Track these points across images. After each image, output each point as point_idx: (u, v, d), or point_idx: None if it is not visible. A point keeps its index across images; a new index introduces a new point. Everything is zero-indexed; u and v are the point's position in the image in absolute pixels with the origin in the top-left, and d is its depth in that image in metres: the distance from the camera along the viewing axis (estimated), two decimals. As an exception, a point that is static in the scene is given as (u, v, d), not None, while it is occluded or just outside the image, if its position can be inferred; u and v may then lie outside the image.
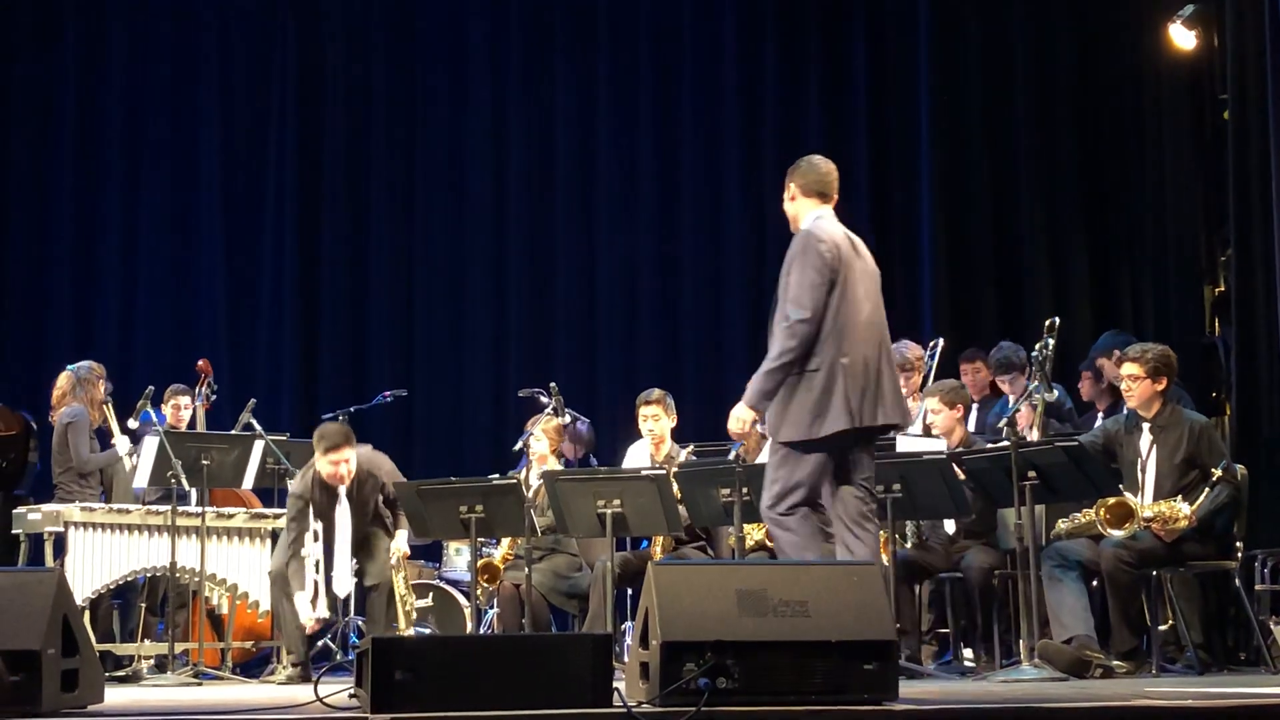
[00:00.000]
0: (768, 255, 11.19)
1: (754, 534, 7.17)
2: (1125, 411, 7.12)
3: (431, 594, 8.61)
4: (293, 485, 7.58)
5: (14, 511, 7.97)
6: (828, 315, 5.68)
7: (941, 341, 8.63)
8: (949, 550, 7.34)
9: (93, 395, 8.41)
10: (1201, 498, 6.73)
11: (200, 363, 8.89)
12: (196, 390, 8.83)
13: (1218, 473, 6.78)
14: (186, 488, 7.57)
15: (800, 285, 5.68)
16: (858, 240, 5.96)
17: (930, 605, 7.92)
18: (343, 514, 7.49)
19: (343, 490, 7.48)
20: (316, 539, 7.41)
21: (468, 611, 7.82)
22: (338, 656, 8.31)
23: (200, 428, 8.64)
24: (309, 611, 7.35)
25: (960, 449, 7.18)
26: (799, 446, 5.68)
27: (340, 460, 7.42)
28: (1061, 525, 6.92)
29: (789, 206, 5.99)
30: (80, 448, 8.22)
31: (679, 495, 7.08)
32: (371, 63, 11.75)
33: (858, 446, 5.76)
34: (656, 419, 7.86)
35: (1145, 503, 6.78)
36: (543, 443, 8.00)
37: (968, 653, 7.63)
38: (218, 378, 9.07)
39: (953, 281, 10.82)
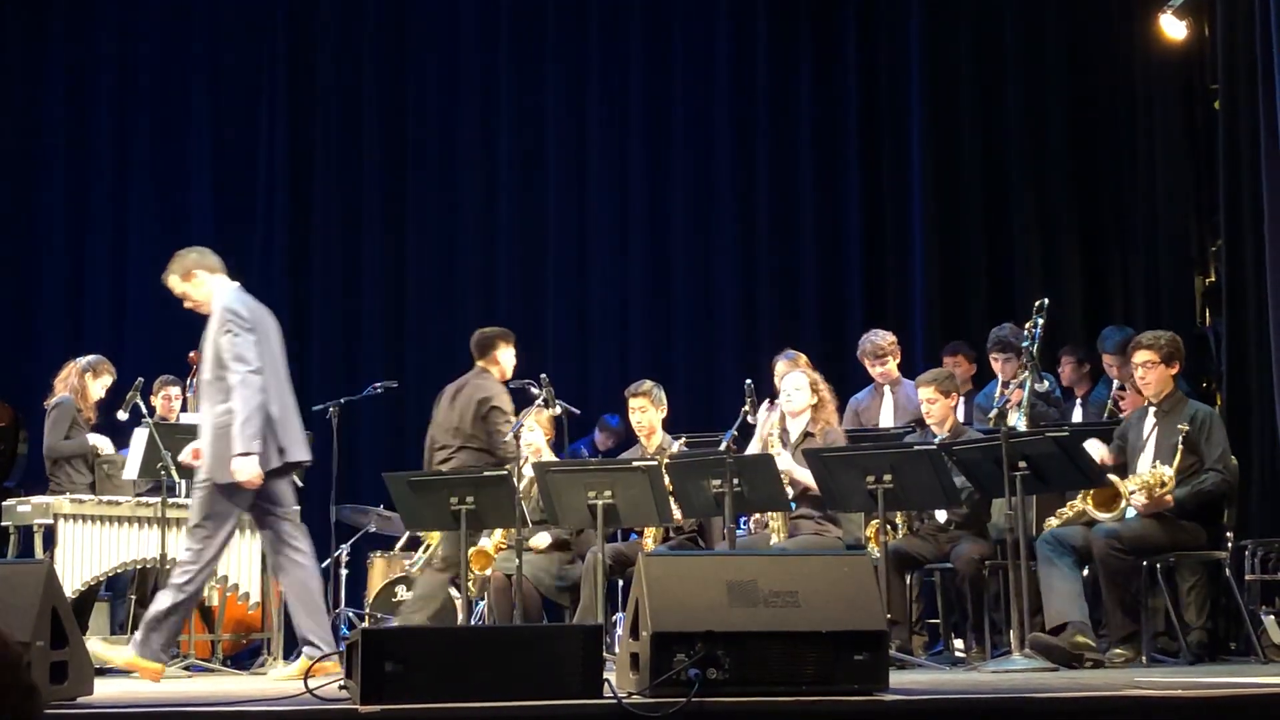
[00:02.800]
0: (759, 243, 11.23)
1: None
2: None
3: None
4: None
5: (3, 504, 7.96)
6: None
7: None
8: (939, 540, 7.34)
9: (82, 386, 8.41)
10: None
11: (192, 354, 8.85)
12: (187, 381, 8.82)
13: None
14: (176, 479, 7.56)
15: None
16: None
17: (920, 595, 7.92)
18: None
19: None
20: None
21: (459, 603, 7.82)
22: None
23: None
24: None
25: (950, 438, 7.18)
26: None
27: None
28: (1051, 522, 6.93)
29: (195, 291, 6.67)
30: (52, 433, 8.24)
31: (670, 486, 7.08)
32: (362, 53, 11.71)
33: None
34: (644, 410, 7.87)
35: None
36: (536, 434, 8.00)
37: (959, 643, 7.64)
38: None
39: (944, 270, 10.83)
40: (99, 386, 8.50)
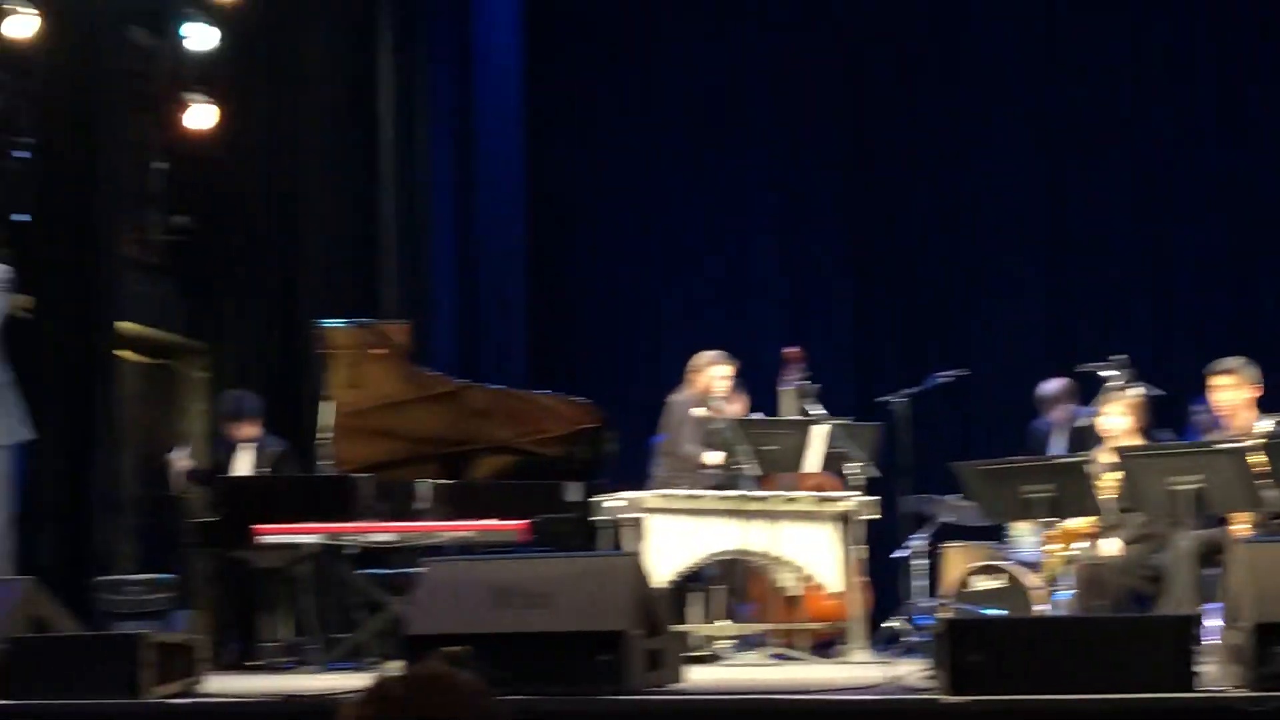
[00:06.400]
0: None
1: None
2: None
3: (1001, 575, 8.44)
4: None
5: (593, 499, 8.38)
6: None
7: None
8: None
9: (704, 384, 8.70)
10: None
11: (791, 350, 8.95)
12: (787, 377, 8.93)
13: None
14: (753, 472, 7.72)
15: None
16: None
17: None
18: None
19: None
20: None
21: (1038, 593, 7.61)
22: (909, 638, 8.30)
23: (789, 413, 8.71)
24: None
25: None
26: None
27: None
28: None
29: None
30: (681, 436, 8.53)
31: (1269, 469, 6.60)
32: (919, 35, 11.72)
33: None
34: (1224, 389, 7.37)
35: None
36: (1117, 418, 7.66)
37: None
38: (777, 365, 9.22)
39: None
40: (721, 385, 8.73)
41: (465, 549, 7.67)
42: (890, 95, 11.82)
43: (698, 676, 5.70)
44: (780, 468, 8.12)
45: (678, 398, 8.77)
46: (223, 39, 10.86)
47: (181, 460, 9.13)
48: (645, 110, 12.38)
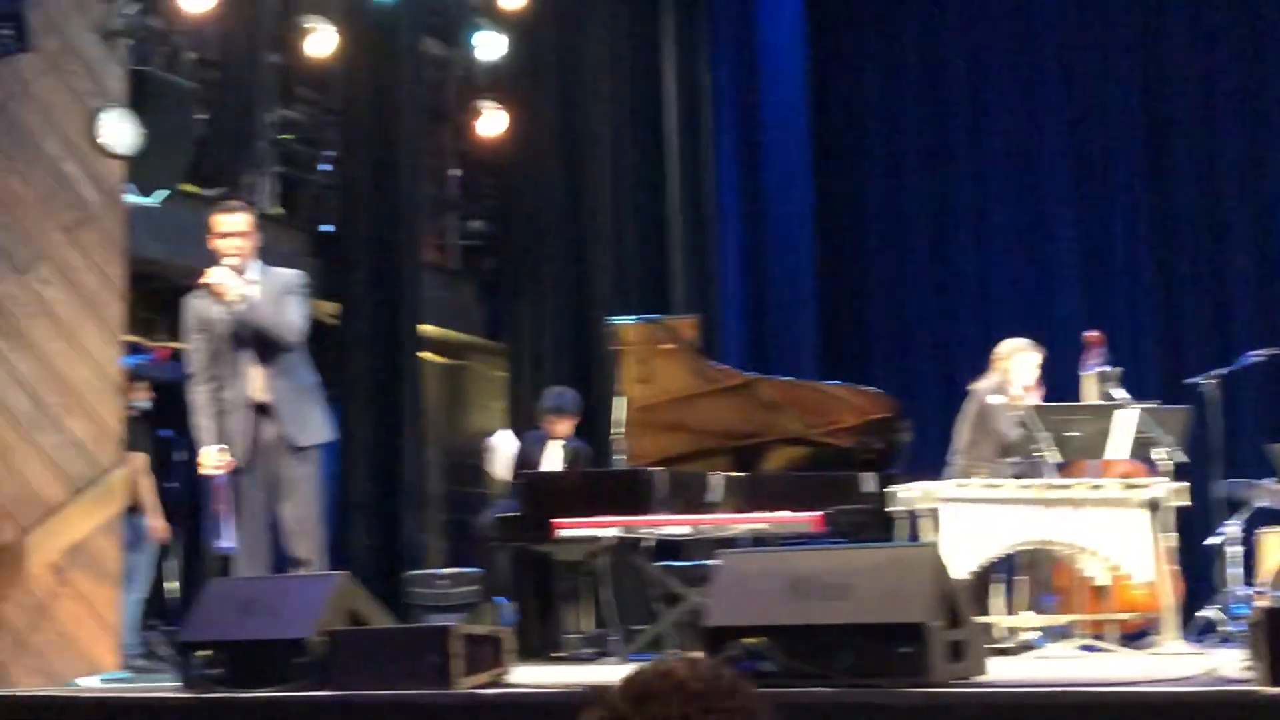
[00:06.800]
0: None
1: None
2: None
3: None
4: None
5: (889, 490, 8.29)
6: None
7: None
8: None
9: (1010, 372, 8.52)
10: None
11: (1091, 333, 8.71)
12: (1088, 361, 8.70)
13: None
14: (1055, 459, 7.53)
15: None
16: None
17: None
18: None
19: None
20: None
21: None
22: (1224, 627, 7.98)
23: (1091, 399, 8.48)
24: None
25: None
26: None
27: None
28: None
29: None
30: (1003, 427, 8.37)
31: None
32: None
33: None
34: None
35: None
36: None
37: None
38: (1077, 349, 8.96)
39: None
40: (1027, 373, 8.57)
41: (759, 541, 7.67)
42: (1187, 63, 11.40)
43: (1003, 669, 5.58)
44: (1083, 455, 7.90)
45: (980, 385, 8.60)
46: (510, 46, 11.13)
47: (501, 447, 9.39)
48: (932, 96, 12.23)
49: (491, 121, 11.23)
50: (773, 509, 7.68)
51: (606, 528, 7.45)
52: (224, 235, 6.37)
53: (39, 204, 6.80)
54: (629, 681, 1.95)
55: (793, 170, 12.47)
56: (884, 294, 12.22)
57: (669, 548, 8.36)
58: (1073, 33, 11.80)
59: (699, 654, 4.15)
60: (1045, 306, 11.31)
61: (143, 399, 8.58)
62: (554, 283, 11.48)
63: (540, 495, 7.85)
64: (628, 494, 7.67)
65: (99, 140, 7.01)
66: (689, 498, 7.82)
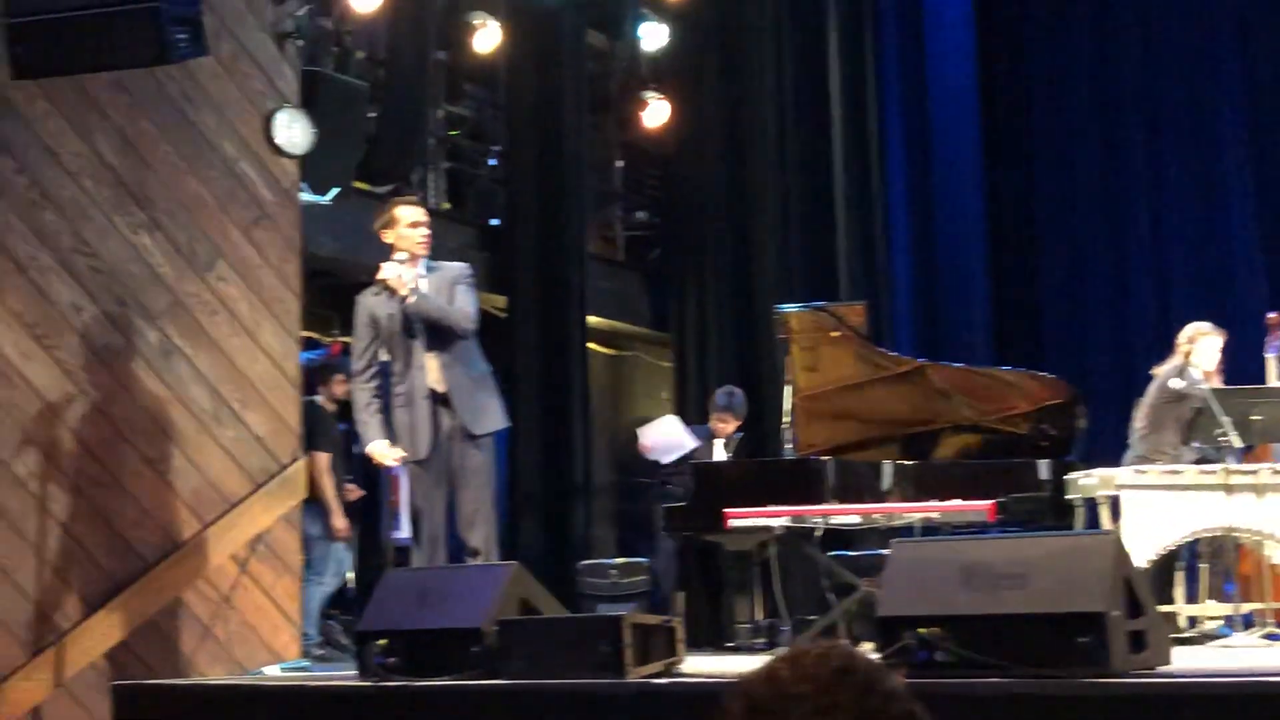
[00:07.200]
0: None
1: None
2: None
3: None
4: None
5: (1068, 476, 8.12)
6: None
7: None
8: None
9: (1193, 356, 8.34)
10: None
11: (1275, 315, 8.48)
12: (1270, 343, 8.46)
13: None
14: (1237, 444, 7.32)
15: None
16: None
17: None
18: None
19: None
20: None
21: None
22: None
23: (1275, 381, 8.24)
24: None
25: None
26: None
27: None
28: None
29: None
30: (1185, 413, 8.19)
31: None
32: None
33: None
34: None
35: None
36: None
37: None
38: (1260, 332, 8.70)
39: None
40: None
41: (930, 530, 7.57)
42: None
43: (1186, 659, 5.43)
44: (1267, 439, 7.66)
45: (1162, 369, 8.39)
46: (673, 36, 11.13)
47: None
48: (1103, 76, 11.96)
49: (655, 112, 11.24)
50: (944, 497, 7.57)
51: (776, 517, 7.42)
52: (414, 225, 6.47)
53: (217, 204, 6.96)
54: (734, 693, 1.89)
55: (962, 155, 12.29)
56: (1058, 277, 12.00)
57: (839, 537, 8.29)
58: (1251, 7, 11.47)
59: (858, 646, 4.10)
60: (1225, 288, 11.01)
61: (342, 393, 8.68)
62: (718, 272, 11.46)
63: (710, 485, 7.83)
64: (798, 483, 7.62)
65: (274, 140, 7.15)
66: (859, 486, 7.75)
